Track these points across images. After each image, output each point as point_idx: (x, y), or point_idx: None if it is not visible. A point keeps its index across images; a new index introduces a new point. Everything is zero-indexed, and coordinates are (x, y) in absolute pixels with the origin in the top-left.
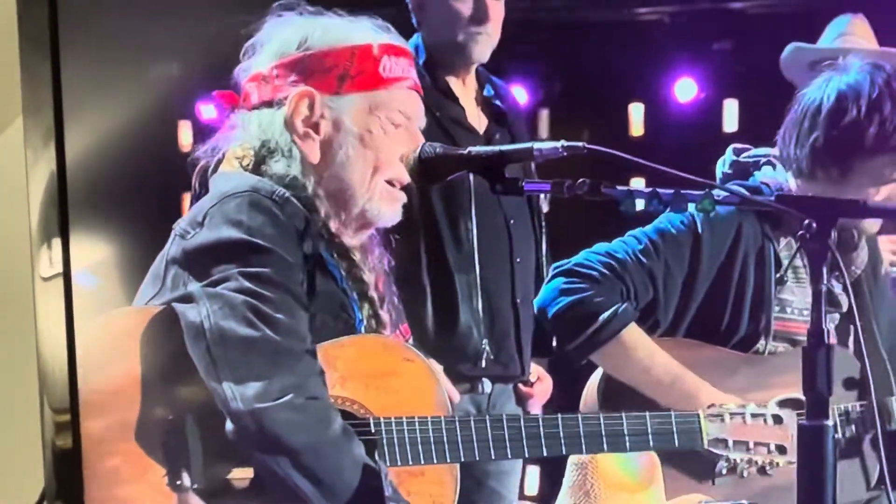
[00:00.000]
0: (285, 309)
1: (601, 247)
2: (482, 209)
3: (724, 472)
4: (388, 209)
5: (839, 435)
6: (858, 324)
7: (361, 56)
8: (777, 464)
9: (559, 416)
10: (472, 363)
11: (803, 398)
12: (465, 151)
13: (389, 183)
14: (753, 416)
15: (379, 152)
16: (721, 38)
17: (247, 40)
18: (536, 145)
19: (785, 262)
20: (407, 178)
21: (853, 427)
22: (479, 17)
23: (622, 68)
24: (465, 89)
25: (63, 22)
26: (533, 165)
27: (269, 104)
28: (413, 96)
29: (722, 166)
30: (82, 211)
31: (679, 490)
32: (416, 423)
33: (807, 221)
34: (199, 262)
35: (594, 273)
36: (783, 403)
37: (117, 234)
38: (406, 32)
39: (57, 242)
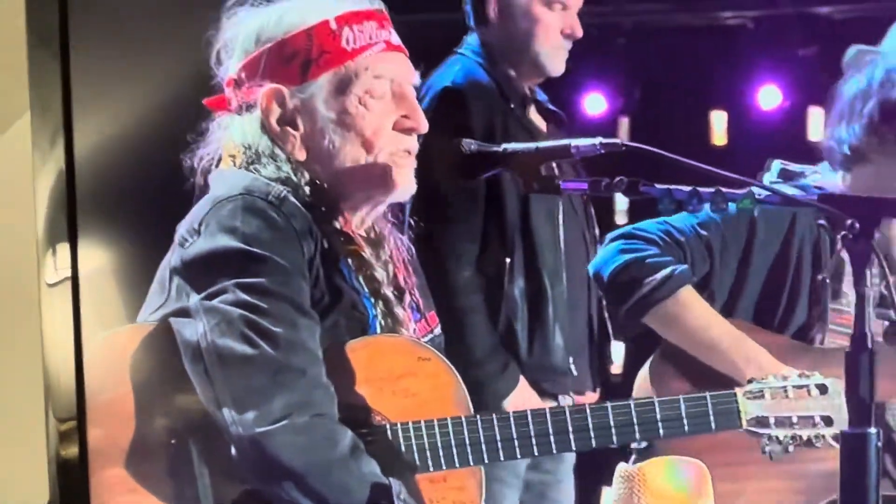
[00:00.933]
0: (285, 321)
1: (661, 217)
2: (568, 219)
3: (768, 449)
4: (397, 183)
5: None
6: None
7: (319, 35)
8: (823, 436)
9: (587, 406)
10: (558, 380)
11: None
12: (501, 148)
13: (395, 154)
14: (796, 387)
15: (364, 130)
16: (806, 45)
17: (211, 44)
18: (574, 142)
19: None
20: (410, 146)
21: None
22: (572, 32)
23: (704, 75)
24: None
25: (73, 18)
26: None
27: (245, 108)
28: (388, 58)
29: (770, 176)
30: (91, 215)
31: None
32: (436, 426)
33: (849, 221)
34: (197, 272)
35: (653, 237)
36: None
37: (128, 238)
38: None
39: (63, 247)
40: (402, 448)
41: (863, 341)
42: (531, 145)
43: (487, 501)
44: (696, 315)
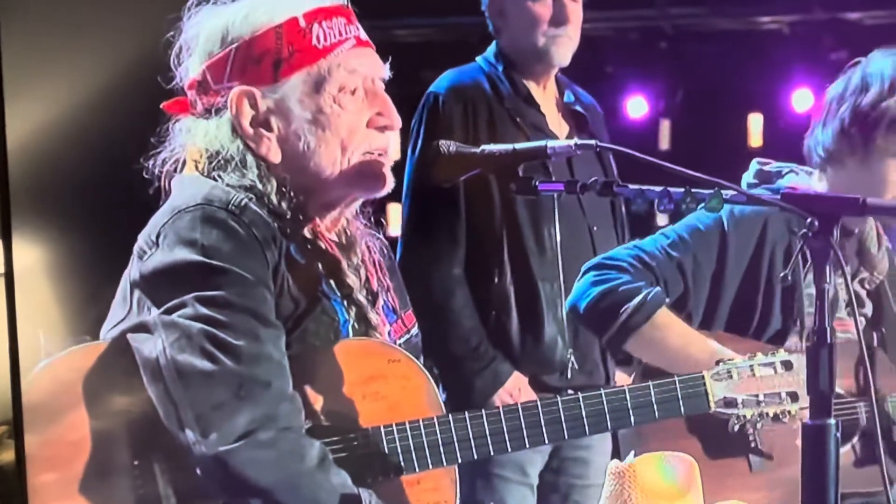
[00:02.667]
0: (247, 333)
1: (631, 243)
2: (565, 216)
3: (737, 428)
4: (372, 182)
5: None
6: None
7: (289, 33)
8: (790, 412)
9: (558, 398)
10: (558, 373)
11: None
12: (479, 150)
13: (370, 153)
14: (763, 365)
15: (340, 129)
16: (837, 49)
17: (171, 44)
18: (550, 143)
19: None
20: (384, 144)
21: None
22: (559, 19)
23: (741, 79)
24: (545, 95)
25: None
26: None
27: (210, 112)
28: (360, 53)
29: (748, 177)
30: (26, 211)
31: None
32: (408, 428)
33: (809, 220)
34: (156, 286)
35: (623, 264)
36: None
37: (64, 236)
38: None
39: None
40: (378, 452)
41: (822, 336)
42: (508, 147)
43: (490, 497)
44: (674, 335)
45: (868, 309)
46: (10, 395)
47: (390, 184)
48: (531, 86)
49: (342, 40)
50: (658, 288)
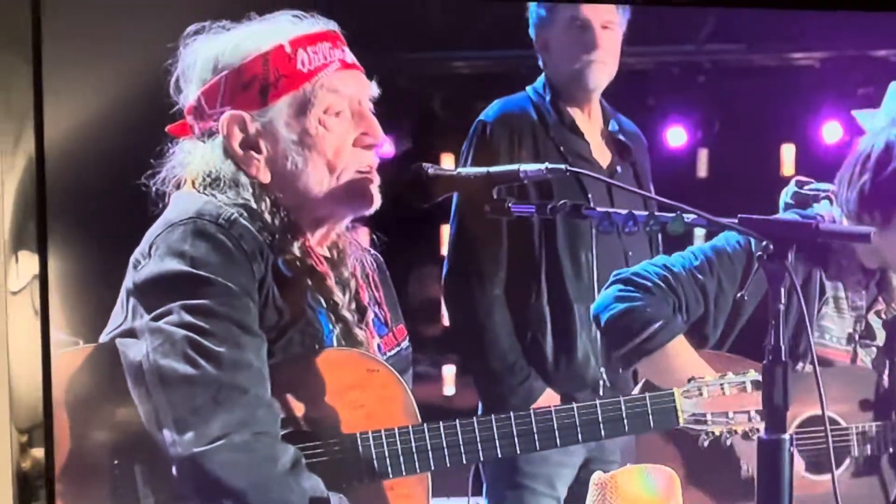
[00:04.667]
0: (228, 341)
1: (660, 259)
2: (602, 241)
3: (706, 444)
4: (359, 200)
5: (856, 453)
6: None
7: (275, 60)
8: (758, 430)
9: (531, 411)
10: (590, 390)
11: (832, 415)
12: (456, 172)
13: (358, 171)
14: (733, 384)
15: (327, 150)
16: (865, 84)
17: (170, 72)
18: (522, 167)
19: (829, 294)
20: (371, 161)
21: (869, 446)
22: (590, 45)
23: (775, 111)
24: (589, 124)
25: (45, 19)
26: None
27: (207, 135)
28: (344, 76)
29: (785, 196)
30: (60, 222)
31: None
32: (383, 436)
33: (764, 243)
34: (147, 294)
35: (649, 283)
36: (812, 420)
37: (97, 247)
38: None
39: (27, 255)
40: (355, 458)
41: (777, 354)
42: (483, 169)
43: None
44: (682, 364)
45: (880, 339)
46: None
47: (377, 201)
48: (576, 114)
49: (326, 64)
50: (677, 317)
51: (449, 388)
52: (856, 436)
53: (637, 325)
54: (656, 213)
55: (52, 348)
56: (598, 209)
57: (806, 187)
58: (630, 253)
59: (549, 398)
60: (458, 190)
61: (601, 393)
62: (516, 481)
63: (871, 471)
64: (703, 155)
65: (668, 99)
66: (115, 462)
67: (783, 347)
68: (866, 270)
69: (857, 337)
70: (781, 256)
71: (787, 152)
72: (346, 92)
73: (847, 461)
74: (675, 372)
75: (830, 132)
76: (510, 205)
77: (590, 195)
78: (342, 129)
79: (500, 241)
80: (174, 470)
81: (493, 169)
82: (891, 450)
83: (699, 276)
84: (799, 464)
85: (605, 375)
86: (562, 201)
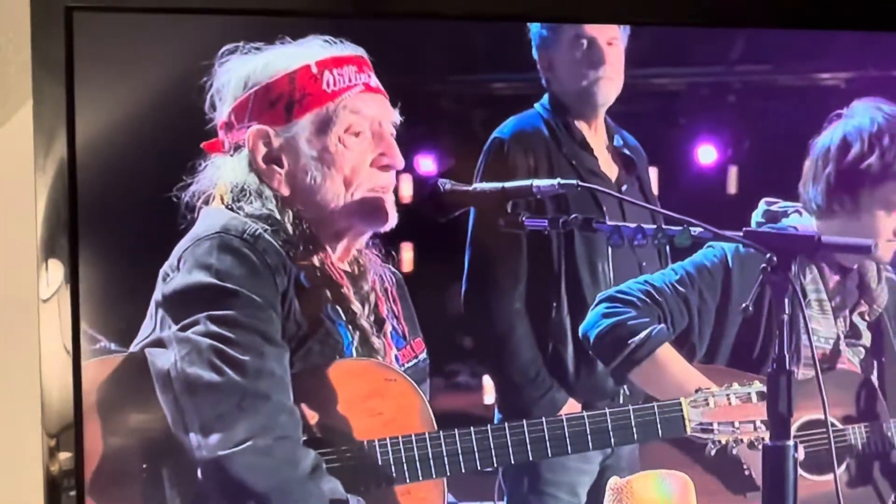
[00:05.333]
0: (252, 350)
1: (642, 277)
2: (618, 254)
3: (713, 453)
4: (374, 216)
5: (854, 454)
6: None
7: (301, 79)
8: (763, 439)
9: (543, 420)
10: (609, 399)
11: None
12: (472, 188)
13: (373, 190)
14: (738, 395)
15: (344, 167)
16: (889, 103)
17: (205, 89)
18: (535, 183)
19: (811, 296)
20: (386, 182)
21: (863, 447)
22: (597, 61)
23: (802, 129)
24: (596, 139)
25: (77, 37)
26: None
27: (234, 149)
28: (367, 99)
29: (756, 217)
30: (91, 230)
31: None
32: (400, 442)
33: (768, 255)
34: (175, 305)
35: (633, 299)
36: (809, 424)
37: (128, 255)
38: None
39: (56, 263)
40: (372, 463)
41: (782, 363)
42: (497, 185)
43: None
44: (672, 372)
45: (866, 340)
46: (73, 410)
47: (393, 219)
48: (584, 130)
49: (350, 86)
50: (662, 326)
51: (489, 397)
52: (853, 437)
53: (625, 336)
54: (664, 227)
55: (83, 355)
56: (609, 223)
57: (774, 206)
58: (644, 263)
59: (571, 408)
60: (474, 205)
61: (621, 402)
62: (540, 489)
63: (866, 470)
64: (732, 172)
65: (698, 118)
66: (144, 466)
67: (787, 357)
68: (843, 269)
69: (842, 336)
70: (785, 269)
71: None
72: (367, 113)
73: (846, 461)
74: (667, 380)
75: None
76: (524, 219)
77: (605, 208)
78: (361, 148)
79: (519, 255)
80: (199, 473)
81: (507, 184)
82: (884, 452)
83: (681, 289)
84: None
85: (626, 386)
86: (573, 215)
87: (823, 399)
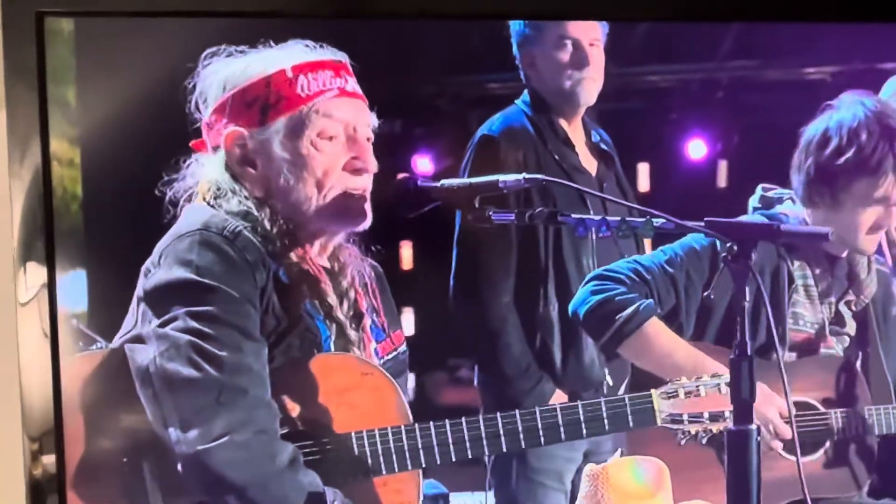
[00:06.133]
0: (230, 346)
1: (632, 257)
2: (602, 249)
3: (683, 442)
4: (349, 217)
5: (834, 437)
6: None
7: (276, 83)
8: None
9: (517, 412)
10: (594, 390)
11: (811, 401)
12: (440, 184)
13: (345, 193)
14: (709, 386)
15: (316, 170)
16: (874, 97)
17: (188, 91)
18: (501, 178)
19: (798, 282)
20: (360, 185)
21: (844, 430)
22: (580, 62)
23: (790, 122)
24: (575, 135)
25: (49, 42)
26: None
27: (214, 149)
28: (341, 103)
29: (753, 202)
30: (67, 234)
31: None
32: (377, 435)
33: (729, 244)
34: (156, 301)
35: (622, 276)
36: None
37: (104, 258)
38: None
39: (37, 267)
40: (349, 455)
41: (743, 349)
42: (465, 181)
43: (531, 501)
44: (661, 344)
45: (850, 329)
46: (53, 413)
47: (368, 219)
48: (565, 126)
49: (324, 90)
50: (650, 300)
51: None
52: (834, 420)
53: (613, 311)
54: (627, 219)
55: (62, 357)
56: (573, 216)
57: (770, 192)
58: (625, 256)
59: (559, 399)
60: (443, 200)
61: (605, 392)
62: (528, 477)
63: (845, 453)
64: (722, 166)
65: (688, 113)
66: (125, 460)
67: (749, 343)
68: (831, 257)
69: (827, 323)
70: (746, 256)
71: None
72: (340, 118)
73: (826, 444)
74: (656, 352)
75: None
76: (490, 213)
77: (588, 202)
78: (333, 152)
79: (509, 251)
80: (179, 467)
81: (474, 180)
82: (862, 435)
83: (669, 269)
84: (778, 445)
85: (608, 376)
86: (539, 209)
87: (785, 384)
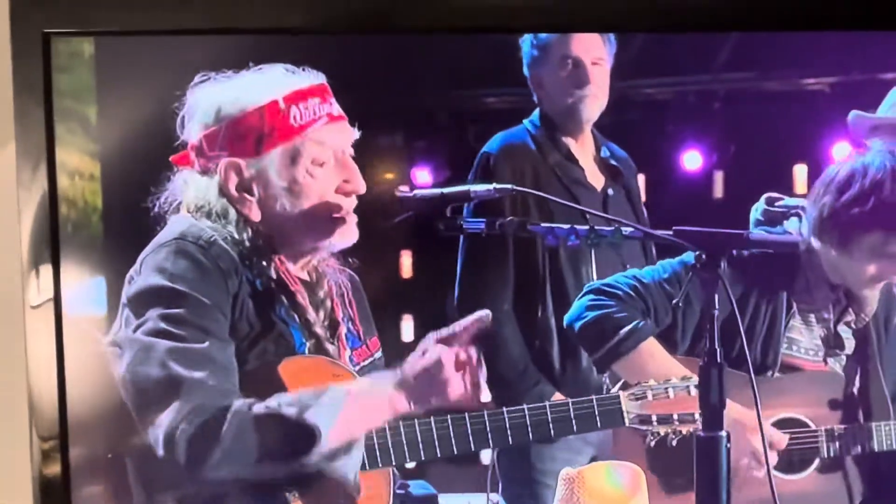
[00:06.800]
0: (194, 340)
1: (631, 271)
2: (602, 257)
3: (653, 444)
4: (338, 238)
5: (824, 454)
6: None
7: (270, 115)
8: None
9: (485, 412)
10: (594, 393)
11: (802, 417)
12: (412, 194)
13: (338, 213)
14: (677, 389)
15: (311, 196)
16: (874, 106)
17: (177, 113)
18: (472, 188)
19: (795, 307)
20: (350, 204)
21: (836, 445)
22: (582, 81)
23: (787, 134)
24: (583, 151)
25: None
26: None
27: (205, 172)
28: (331, 129)
29: (755, 213)
30: (74, 239)
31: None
32: None
33: (697, 253)
34: (135, 306)
35: (619, 292)
36: (783, 422)
37: (110, 261)
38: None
39: (46, 269)
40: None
41: (713, 356)
42: (436, 191)
43: (532, 501)
44: (656, 364)
45: (849, 348)
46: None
47: (355, 237)
48: (570, 143)
49: (315, 119)
50: (649, 321)
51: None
52: (825, 437)
53: (610, 329)
54: (596, 228)
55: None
56: (543, 224)
57: (776, 204)
58: (627, 265)
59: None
60: (414, 209)
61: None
62: (531, 478)
63: (836, 471)
64: (718, 177)
65: (684, 125)
66: (109, 456)
67: (719, 351)
68: (833, 286)
69: (825, 347)
70: (714, 265)
71: (800, 172)
72: (330, 143)
73: (816, 462)
74: (650, 372)
75: (841, 152)
76: (461, 222)
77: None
78: (326, 177)
79: (506, 262)
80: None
81: (446, 190)
82: (854, 452)
83: (667, 288)
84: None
85: (607, 379)
86: (509, 218)
87: (757, 404)
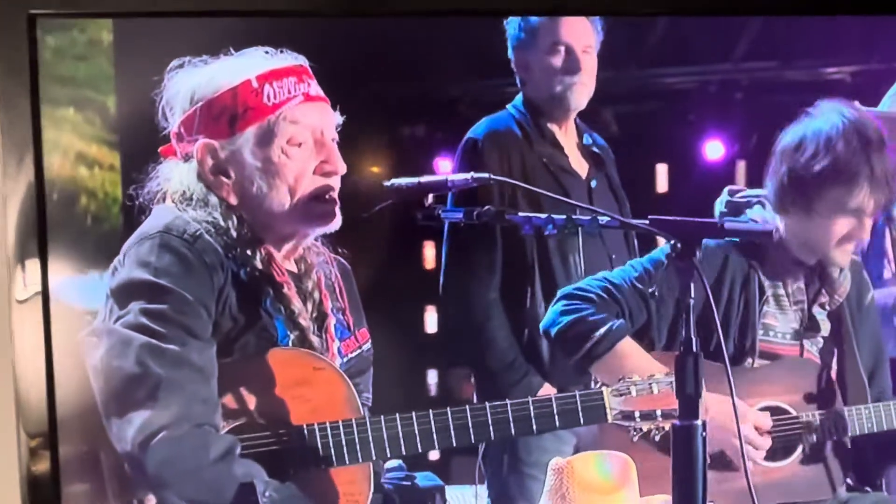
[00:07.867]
0: (174, 340)
1: (601, 274)
2: (589, 246)
3: (636, 439)
4: (321, 221)
5: (806, 441)
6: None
7: (243, 93)
8: None
9: (467, 407)
10: (582, 386)
11: (783, 405)
12: (389, 184)
13: (317, 196)
14: (660, 384)
15: (288, 176)
16: (852, 106)
17: (156, 102)
18: (450, 178)
19: (769, 293)
20: (331, 186)
21: (816, 434)
22: (572, 68)
23: None
24: (566, 138)
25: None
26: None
27: (185, 158)
28: (307, 108)
29: (719, 206)
30: (60, 232)
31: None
32: (328, 428)
33: (673, 241)
34: (118, 298)
35: (591, 295)
36: (765, 409)
37: (98, 255)
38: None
39: (32, 263)
40: (301, 447)
41: (689, 345)
42: (414, 180)
43: (521, 492)
44: (633, 363)
45: (825, 330)
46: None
47: (338, 221)
48: (555, 129)
49: (290, 98)
50: (622, 320)
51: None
52: (806, 423)
53: (585, 332)
54: (573, 217)
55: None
56: (520, 214)
57: (737, 195)
58: (613, 256)
59: (547, 392)
60: (392, 199)
61: (593, 386)
62: (519, 470)
63: (819, 458)
64: (740, 166)
65: (706, 115)
66: (84, 450)
67: (694, 340)
68: (803, 265)
69: (801, 330)
70: (689, 254)
71: None
72: (307, 123)
73: (799, 449)
74: (628, 372)
75: None
76: (439, 211)
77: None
78: (303, 157)
79: (494, 248)
80: (126, 464)
81: (423, 179)
82: (835, 437)
83: (639, 286)
84: (758, 455)
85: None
86: (487, 207)
87: (732, 392)
